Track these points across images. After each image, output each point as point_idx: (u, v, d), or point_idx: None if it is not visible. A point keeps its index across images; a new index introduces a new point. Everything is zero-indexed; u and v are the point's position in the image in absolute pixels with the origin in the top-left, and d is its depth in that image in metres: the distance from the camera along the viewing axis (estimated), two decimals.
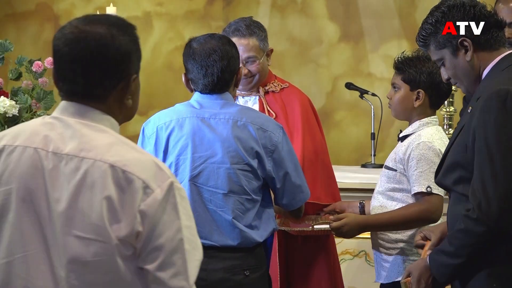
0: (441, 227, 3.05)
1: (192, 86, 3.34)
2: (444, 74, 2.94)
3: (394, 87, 3.55)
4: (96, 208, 1.99)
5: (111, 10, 5.62)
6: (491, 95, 2.74)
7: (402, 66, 3.51)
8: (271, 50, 3.92)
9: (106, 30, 2.07)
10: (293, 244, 3.81)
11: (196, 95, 3.33)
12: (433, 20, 2.88)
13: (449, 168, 2.88)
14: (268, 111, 3.87)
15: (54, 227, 2.01)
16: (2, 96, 4.93)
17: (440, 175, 2.93)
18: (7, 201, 2.05)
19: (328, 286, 3.86)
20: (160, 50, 6.62)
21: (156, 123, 3.35)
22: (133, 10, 6.63)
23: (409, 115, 3.53)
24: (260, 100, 3.90)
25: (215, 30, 6.50)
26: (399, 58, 3.54)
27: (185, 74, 3.35)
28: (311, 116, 3.94)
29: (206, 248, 3.21)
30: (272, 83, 3.94)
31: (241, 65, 3.60)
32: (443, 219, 3.46)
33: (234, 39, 3.74)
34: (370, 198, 3.79)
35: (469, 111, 2.84)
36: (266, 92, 3.92)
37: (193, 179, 3.23)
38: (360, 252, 4.70)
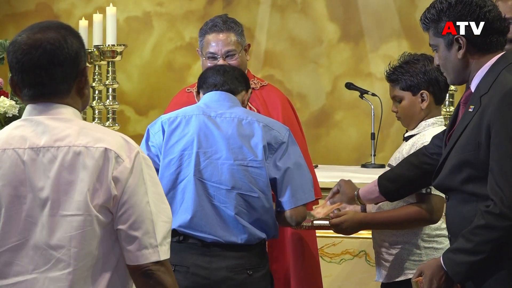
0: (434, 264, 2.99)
1: (202, 94, 3.45)
2: (436, 60, 2.97)
3: (396, 100, 3.55)
4: (77, 187, 2.27)
5: (111, 10, 5.62)
6: (508, 93, 2.75)
7: (395, 77, 3.52)
8: (249, 45, 3.98)
9: (56, 33, 2.32)
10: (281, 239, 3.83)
11: (204, 97, 3.41)
12: (440, 7, 2.90)
13: (455, 168, 2.86)
14: (250, 106, 3.90)
15: (42, 213, 2.28)
16: (2, 96, 4.93)
17: (442, 176, 2.92)
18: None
19: (311, 282, 3.88)
20: (160, 50, 6.61)
21: (161, 119, 3.40)
22: (133, 10, 6.63)
23: (419, 119, 3.52)
24: None
25: None
26: (389, 70, 3.55)
27: (197, 92, 3.47)
28: (292, 115, 4.01)
29: (210, 244, 3.24)
30: (252, 81, 4.00)
31: (220, 60, 3.79)
32: (442, 220, 3.47)
33: (212, 35, 3.82)
34: None
35: (470, 110, 2.84)
36: None
37: (198, 175, 3.26)
38: (360, 252, 4.71)
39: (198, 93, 3.48)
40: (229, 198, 3.24)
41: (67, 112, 2.34)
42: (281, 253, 3.86)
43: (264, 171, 3.25)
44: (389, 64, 3.57)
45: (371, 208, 3.63)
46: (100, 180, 2.28)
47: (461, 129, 2.86)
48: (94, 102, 5.74)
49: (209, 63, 3.85)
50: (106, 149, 2.29)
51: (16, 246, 2.28)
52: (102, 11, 5.76)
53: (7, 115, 4.87)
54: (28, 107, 2.36)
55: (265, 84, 4.05)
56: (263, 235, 3.30)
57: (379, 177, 3.40)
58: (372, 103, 5.50)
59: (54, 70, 2.31)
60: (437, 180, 2.96)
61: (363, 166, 5.52)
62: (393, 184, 3.35)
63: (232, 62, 3.84)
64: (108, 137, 2.32)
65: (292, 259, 3.87)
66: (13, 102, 4.92)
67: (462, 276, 2.84)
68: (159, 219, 2.32)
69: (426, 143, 3.40)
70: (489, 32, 2.86)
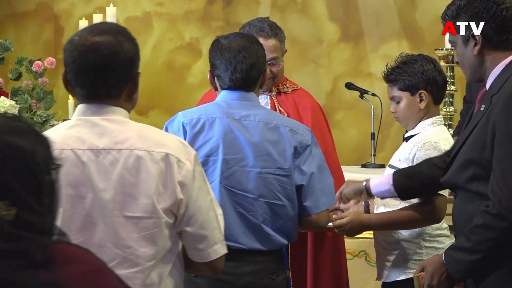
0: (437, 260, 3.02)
1: (217, 84, 3.31)
2: (455, 56, 3.00)
3: (394, 100, 3.54)
4: (142, 189, 2.31)
5: (111, 10, 5.62)
6: None
7: (393, 77, 3.51)
8: (285, 51, 3.93)
9: (114, 38, 2.36)
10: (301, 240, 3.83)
11: (223, 94, 3.28)
12: (459, 4, 2.91)
13: (462, 166, 2.87)
14: (280, 110, 3.89)
15: (103, 213, 2.32)
16: (2, 96, 4.93)
17: (450, 174, 2.92)
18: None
19: (330, 281, 3.87)
20: (160, 50, 6.61)
21: (181, 119, 3.27)
22: (133, 10, 6.63)
23: (418, 119, 3.51)
24: (271, 99, 3.93)
25: (215, 30, 6.50)
26: (387, 71, 3.53)
27: (211, 71, 3.30)
28: (321, 119, 3.98)
29: (233, 251, 3.18)
30: (284, 84, 3.97)
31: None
32: (444, 220, 3.47)
33: (260, 40, 3.76)
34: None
35: (481, 109, 2.85)
36: (278, 92, 3.95)
37: (224, 182, 3.18)
38: (360, 252, 4.71)
39: (213, 77, 3.31)
40: (255, 206, 3.18)
41: (120, 114, 2.39)
42: (302, 255, 3.85)
43: (291, 179, 3.19)
44: (387, 65, 3.56)
45: (373, 209, 3.63)
46: (164, 184, 2.33)
47: (471, 127, 2.88)
48: None
49: None
50: (167, 154, 2.34)
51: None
52: (102, 11, 5.76)
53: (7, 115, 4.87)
54: (81, 107, 2.39)
55: (297, 88, 4.01)
56: (285, 241, 3.26)
57: (395, 172, 3.36)
58: (372, 103, 5.50)
59: (108, 74, 2.36)
60: (445, 177, 2.96)
61: (363, 166, 5.51)
62: (411, 181, 3.30)
63: (275, 69, 3.82)
64: (167, 141, 2.38)
65: (310, 260, 3.85)
66: (13, 102, 4.92)
67: (462, 274, 2.85)
68: (218, 213, 2.46)
69: (427, 144, 3.41)
70: (506, 29, 2.86)
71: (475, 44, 2.87)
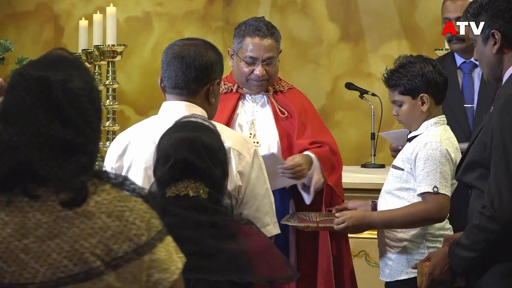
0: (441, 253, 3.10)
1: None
2: (475, 54, 3.01)
3: (396, 104, 3.55)
4: None
5: (111, 10, 5.61)
6: (510, 97, 2.78)
7: (393, 82, 3.51)
8: (280, 51, 3.95)
9: (201, 47, 2.97)
10: (304, 239, 3.83)
11: None
12: (481, 2, 2.91)
13: (468, 166, 2.93)
14: (279, 109, 3.90)
15: None
16: (2, 96, 4.92)
17: (460, 172, 3.00)
18: (136, 176, 2.83)
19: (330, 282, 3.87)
20: (160, 50, 6.56)
21: None
22: (133, 10, 6.63)
23: (421, 120, 3.51)
24: (269, 99, 3.93)
25: (215, 30, 6.50)
26: (387, 75, 3.53)
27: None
28: (318, 115, 4.02)
29: None
30: (280, 83, 3.98)
31: (259, 66, 3.79)
32: (447, 220, 3.48)
33: (255, 39, 3.78)
34: (370, 198, 3.80)
35: (491, 111, 2.88)
36: (275, 92, 3.95)
37: None
38: (360, 252, 4.71)
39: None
40: None
41: (197, 111, 2.88)
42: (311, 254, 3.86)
43: None
44: (386, 68, 3.55)
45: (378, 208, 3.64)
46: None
47: (480, 128, 2.93)
48: None
49: (245, 68, 3.84)
50: (230, 148, 2.80)
51: None
52: (102, 11, 5.75)
53: None
54: (165, 104, 2.97)
55: (291, 87, 4.04)
56: None
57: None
58: (372, 103, 5.50)
59: (189, 70, 2.92)
60: (457, 176, 3.05)
61: (363, 166, 5.52)
62: None
63: (269, 68, 3.84)
64: (232, 137, 2.87)
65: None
66: None
67: (462, 269, 2.94)
68: (272, 200, 2.90)
69: (429, 144, 3.42)
70: None
71: (495, 43, 2.88)
